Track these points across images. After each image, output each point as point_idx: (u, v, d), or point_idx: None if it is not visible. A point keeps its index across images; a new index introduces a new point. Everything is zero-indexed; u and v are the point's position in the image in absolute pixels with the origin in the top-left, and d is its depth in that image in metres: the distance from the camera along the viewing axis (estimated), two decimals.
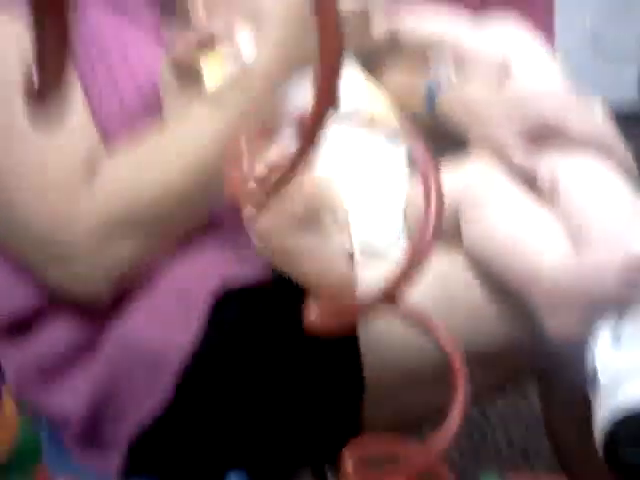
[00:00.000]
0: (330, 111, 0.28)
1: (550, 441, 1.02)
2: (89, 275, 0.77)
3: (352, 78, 0.90)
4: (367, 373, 0.79)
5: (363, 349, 0.79)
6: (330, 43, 0.28)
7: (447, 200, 0.76)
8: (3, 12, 0.77)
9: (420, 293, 0.75)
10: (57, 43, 0.25)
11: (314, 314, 0.47)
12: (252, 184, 0.33)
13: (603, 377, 0.68)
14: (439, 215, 0.37)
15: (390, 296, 0.43)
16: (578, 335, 0.71)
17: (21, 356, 0.84)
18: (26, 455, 0.42)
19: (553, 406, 0.98)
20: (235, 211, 0.54)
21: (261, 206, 0.41)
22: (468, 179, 0.81)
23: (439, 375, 0.49)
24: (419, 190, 0.39)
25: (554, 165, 0.81)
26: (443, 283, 0.80)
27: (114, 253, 0.77)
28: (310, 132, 0.30)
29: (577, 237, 0.75)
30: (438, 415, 0.46)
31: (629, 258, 0.69)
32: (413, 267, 0.40)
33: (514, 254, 0.75)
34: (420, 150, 0.38)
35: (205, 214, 0.82)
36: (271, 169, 0.30)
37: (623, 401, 0.65)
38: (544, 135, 0.82)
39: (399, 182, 0.86)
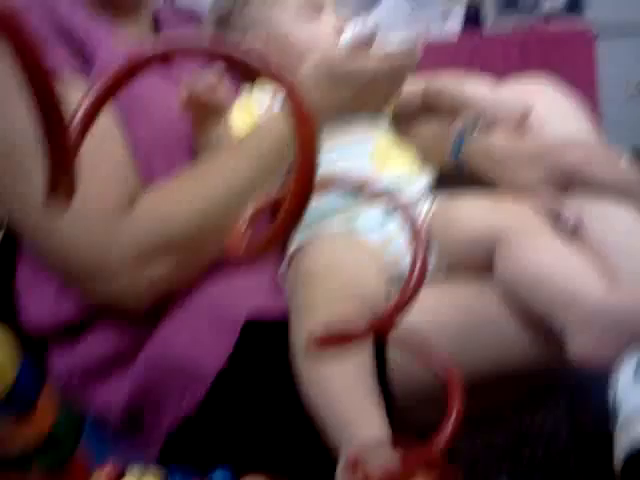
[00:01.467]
0: (309, 194, 0.30)
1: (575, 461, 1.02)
2: (129, 292, 0.82)
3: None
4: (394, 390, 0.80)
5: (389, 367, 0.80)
6: (306, 136, 0.29)
7: (480, 233, 0.78)
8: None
9: (445, 316, 0.78)
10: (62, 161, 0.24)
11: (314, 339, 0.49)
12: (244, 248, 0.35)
13: (624, 408, 0.68)
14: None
15: (384, 327, 0.45)
16: (602, 362, 0.71)
17: (68, 359, 0.90)
18: (64, 438, 0.44)
19: (579, 423, 0.98)
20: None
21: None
22: (501, 214, 0.83)
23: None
24: None
25: (578, 206, 0.82)
26: (469, 304, 0.82)
27: (151, 273, 0.82)
28: (290, 214, 0.31)
29: (607, 271, 0.76)
30: None
31: None
32: (403, 306, 0.42)
33: (550, 281, 0.76)
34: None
35: None
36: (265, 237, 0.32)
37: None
38: (567, 181, 0.83)
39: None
